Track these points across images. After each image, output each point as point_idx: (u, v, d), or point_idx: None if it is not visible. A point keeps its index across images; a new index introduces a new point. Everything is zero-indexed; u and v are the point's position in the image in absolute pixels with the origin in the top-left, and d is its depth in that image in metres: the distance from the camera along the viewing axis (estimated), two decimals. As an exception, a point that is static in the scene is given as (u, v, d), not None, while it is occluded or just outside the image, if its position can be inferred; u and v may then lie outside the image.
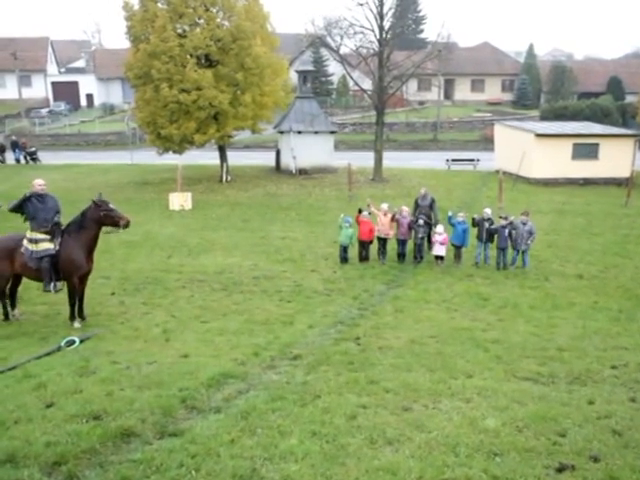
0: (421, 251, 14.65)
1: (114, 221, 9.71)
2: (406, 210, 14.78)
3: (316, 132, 30.77)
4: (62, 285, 9.80)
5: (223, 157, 28.85)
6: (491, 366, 8.12)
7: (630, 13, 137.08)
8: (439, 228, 14.36)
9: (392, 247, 14.83)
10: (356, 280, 13.11)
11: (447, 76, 54.96)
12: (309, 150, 30.09)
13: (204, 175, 29.53)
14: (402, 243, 14.62)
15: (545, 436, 5.99)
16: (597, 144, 29.01)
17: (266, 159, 33.75)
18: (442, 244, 14.15)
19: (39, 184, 9.70)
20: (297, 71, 32.89)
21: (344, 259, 14.45)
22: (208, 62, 25.91)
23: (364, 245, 14.60)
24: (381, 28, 27.69)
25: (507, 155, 30.48)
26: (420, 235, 14.46)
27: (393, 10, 28.68)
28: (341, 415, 6.31)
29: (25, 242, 9.48)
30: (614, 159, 28.44)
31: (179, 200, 22.20)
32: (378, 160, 29.08)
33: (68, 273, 9.66)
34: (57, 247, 9.50)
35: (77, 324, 9.79)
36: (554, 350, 8.87)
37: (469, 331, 9.73)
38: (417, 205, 15.31)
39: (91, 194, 26.00)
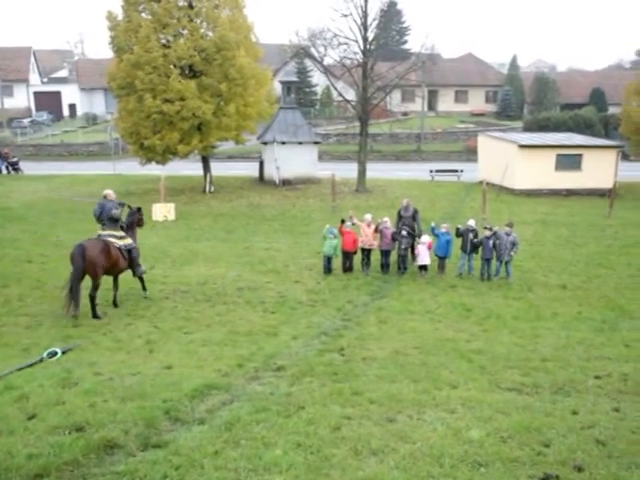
0: (405, 262, 14.69)
1: (142, 224, 12.88)
2: (388, 220, 14.81)
3: (300, 143, 30.84)
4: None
5: (206, 168, 28.78)
6: (475, 377, 8.15)
7: (613, 25, 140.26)
8: (424, 238, 14.42)
9: (376, 258, 14.86)
10: (340, 291, 13.11)
11: (431, 87, 55.53)
12: (293, 161, 30.13)
13: (187, 186, 29.42)
14: (386, 254, 14.65)
15: (529, 446, 6.03)
16: (580, 155, 29.41)
17: (250, 170, 33.75)
18: (428, 249, 14.15)
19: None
20: (281, 82, 33.02)
21: (328, 270, 14.44)
22: (192, 72, 25.91)
23: (348, 256, 14.61)
24: (365, 39, 27.92)
25: (491, 166, 30.79)
26: (403, 246, 14.50)
27: (377, 21, 28.90)
28: (325, 426, 6.30)
29: (114, 239, 11.43)
30: (597, 170, 28.83)
31: (162, 211, 22.08)
32: (362, 171, 29.20)
33: (137, 259, 12.11)
34: (133, 242, 11.99)
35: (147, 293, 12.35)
36: (538, 360, 8.93)
37: (453, 342, 9.77)
38: (400, 216, 15.32)
39: (73, 205, 25.86)
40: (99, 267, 10.92)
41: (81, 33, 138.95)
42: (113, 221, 11.57)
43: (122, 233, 11.75)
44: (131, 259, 11.81)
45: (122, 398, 6.82)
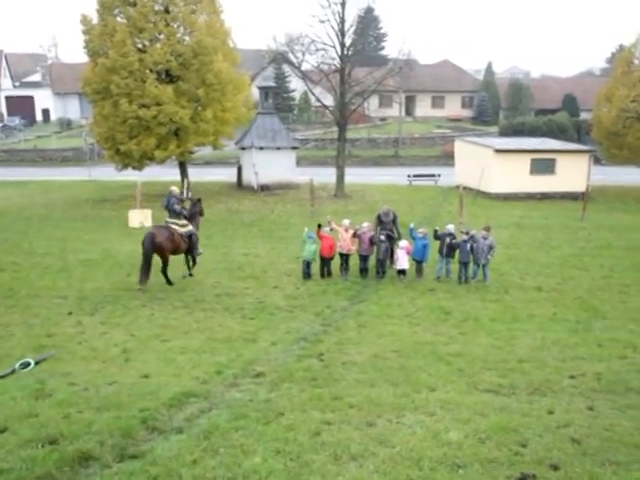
0: (383, 266, 14.73)
1: (202, 212, 15.23)
2: (366, 225, 14.86)
3: (278, 148, 30.83)
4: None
5: (184, 173, 28.56)
6: (453, 379, 8.22)
7: (584, 34, 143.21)
8: (402, 243, 14.49)
9: (355, 262, 14.89)
10: (319, 296, 13.10)
11: (408, 93, 55.96)
12: (271, 166, 30.10)
13: (164, 192, 28.92)
14: (364, 258, 14.68)
15: (507, 447, 6.10)
16: (554, 159, 29.94)
17: (228, 175, 33.61)
18: (406, 253, 14.23)
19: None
20: (259, 87, 33.01)
21: (307, 275, 14.42)
22: (169, 77, 25.74)
23: (325, 261, 14.60)
24: (342, 45, 28.06)
25: (467, 170, 31.14)
26: (382, 251, 14.55)
27: (354, 27, 29.09)
28: (305, 432, 6.29)
29: (176, 227, 13.69)
30: (570, 174, 29.40)
31: (139, 217, 21.81)
32: (340, 176, 29.29)
33: (196, 243, 14.14)
34: (193, 229, 14.23)
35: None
36: (514, 362, 9.04)
37: (431, 345, 9.83)
38: (380, 221, 15.40)
39: (47, 211, 25.53)
40: (167, 250, 13.26)
41: (54, 37, 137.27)
42: (175, 213, 13.85)
43: (184, 222, 13.97)
44: (190, 243, 13.95)
45: (98, 408, 6.71)
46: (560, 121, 47.42)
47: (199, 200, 14.93)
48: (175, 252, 13.71)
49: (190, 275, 14.32)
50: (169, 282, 13.52)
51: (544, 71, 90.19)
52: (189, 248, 14.03)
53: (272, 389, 7.64)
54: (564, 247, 18.83)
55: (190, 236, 13.96)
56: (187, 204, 14.76)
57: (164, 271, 13.45)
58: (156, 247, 13.03)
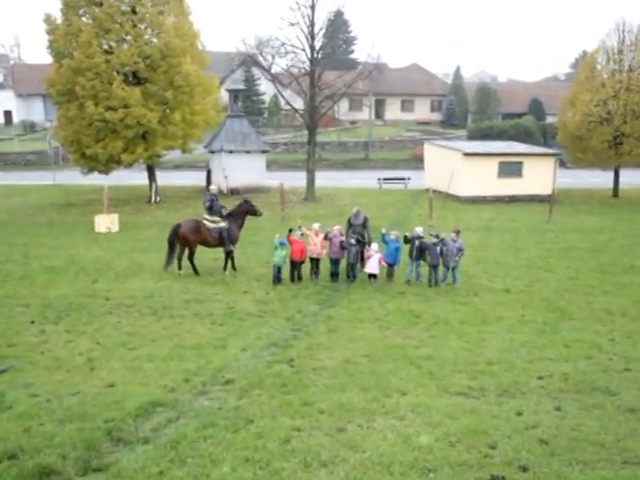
0: (354, 270, 14.72)
1: (255, 212, 15.77)
2: (337, 229, 14.83)
3: (248, 152, 30.67)
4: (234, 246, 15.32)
5: (152, 177, 28.16)
6: (424, 382, 8.24)
7: (549, 39, 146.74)
8: (374, 246, 14.49)
9: (325, 267, 14.86)
10: (289, 301, 13.01)
11: (378, 96, 56.42)
12: (241, 170, 29.90)
13: (132, 196, 28.71)
14: (335, 262, 14.65)
15: (477, 449, 6.13)
16: (521, 163, 30.46)
17: (197, 179, 33.25)
18: (379, 262, 14.23)
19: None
20: (228, 90, 32.80)
21: (277, 279, 14.32)
22: (136, 79, 25.35)
23: (295, 265, 14.52)
24: (312, 48, 28.08)
25: (437, 173, 31.45)
26: (352, 254, 14.54)
27: (324, 30, 29.15)
28: (275, 439, 6.22)
29: (207, 222, 15.02)
30: (537, 177, 29.97)
31: (105, 222, 21.40)
32: (310, 180, 29.28)
33: (234, 240, 15.25)
34: (227, 226, 15.14)
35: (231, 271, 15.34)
36: (484, 364, 9.11)
37: (402, 348, 9.84)
38: (350, 224, 15.36)
39: (9, 216, 24.86)
40: (190, 239, 14.69)
41: (17, 36, 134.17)
42: (208, 209, 15.16)
43: (217, 218, 15.15)
44: (221, 238, 14.98)
45: (60, 420, 6.52)
46: (527, 125, 48.38)
47: (245, 201, 15.93)
48: (204, 244, 15.10)
49: (233, 269, 15.32)
50: (195, 271, 14.84)
51: (511, 76, 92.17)
52: (221, 243, 15.14)
53: (242, 396, 7.54)
54: (531, 249, 19.14)
55: (220, 232, 14.96)
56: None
57: (190, 259, 14.82)
58: (178, 237, 14.60)
